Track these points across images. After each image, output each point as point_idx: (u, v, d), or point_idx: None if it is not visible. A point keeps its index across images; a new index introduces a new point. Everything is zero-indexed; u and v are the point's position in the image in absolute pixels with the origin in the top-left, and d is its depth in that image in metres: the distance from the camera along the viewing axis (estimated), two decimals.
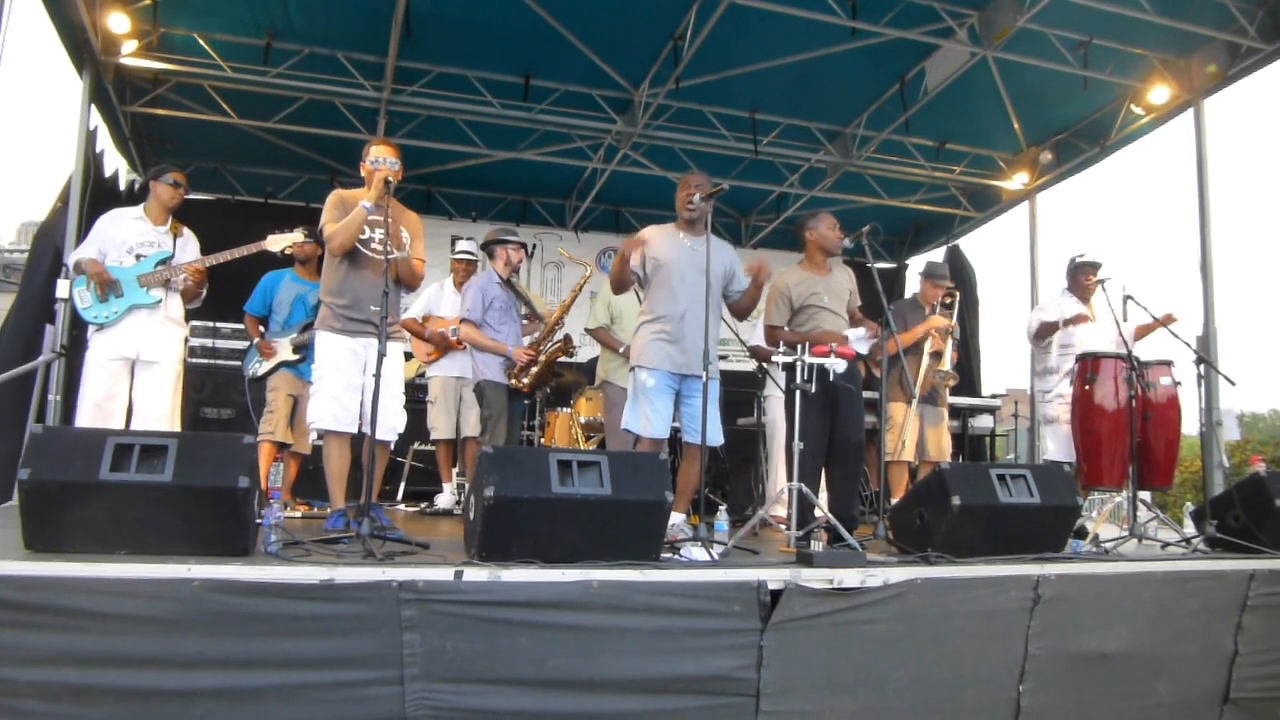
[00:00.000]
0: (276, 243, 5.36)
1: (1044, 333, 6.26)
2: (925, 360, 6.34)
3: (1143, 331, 6.15)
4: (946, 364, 6.42)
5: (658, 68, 7.85)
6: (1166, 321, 5.87)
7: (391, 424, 4.68)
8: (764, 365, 6.33)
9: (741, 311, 5.12)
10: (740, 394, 7.56)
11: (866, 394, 5.59)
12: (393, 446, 4.84)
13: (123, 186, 8.58)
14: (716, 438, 4.77)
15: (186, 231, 5.32)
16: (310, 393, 4.73)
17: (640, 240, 4.84)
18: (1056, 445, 6.20)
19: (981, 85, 8.02)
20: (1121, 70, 7.84)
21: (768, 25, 7.01)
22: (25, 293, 6.67)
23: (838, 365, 4.81)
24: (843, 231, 5.37)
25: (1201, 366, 5.62)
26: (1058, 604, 4.01)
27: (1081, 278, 6.19)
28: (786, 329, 5.27)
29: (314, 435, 5.64)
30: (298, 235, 5.43)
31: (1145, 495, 5.62)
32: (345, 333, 4.57)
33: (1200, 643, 4.32)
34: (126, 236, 5.14)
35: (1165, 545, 5.11)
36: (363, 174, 4.72)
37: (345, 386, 4.54)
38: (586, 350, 8.35)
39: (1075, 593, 4.07)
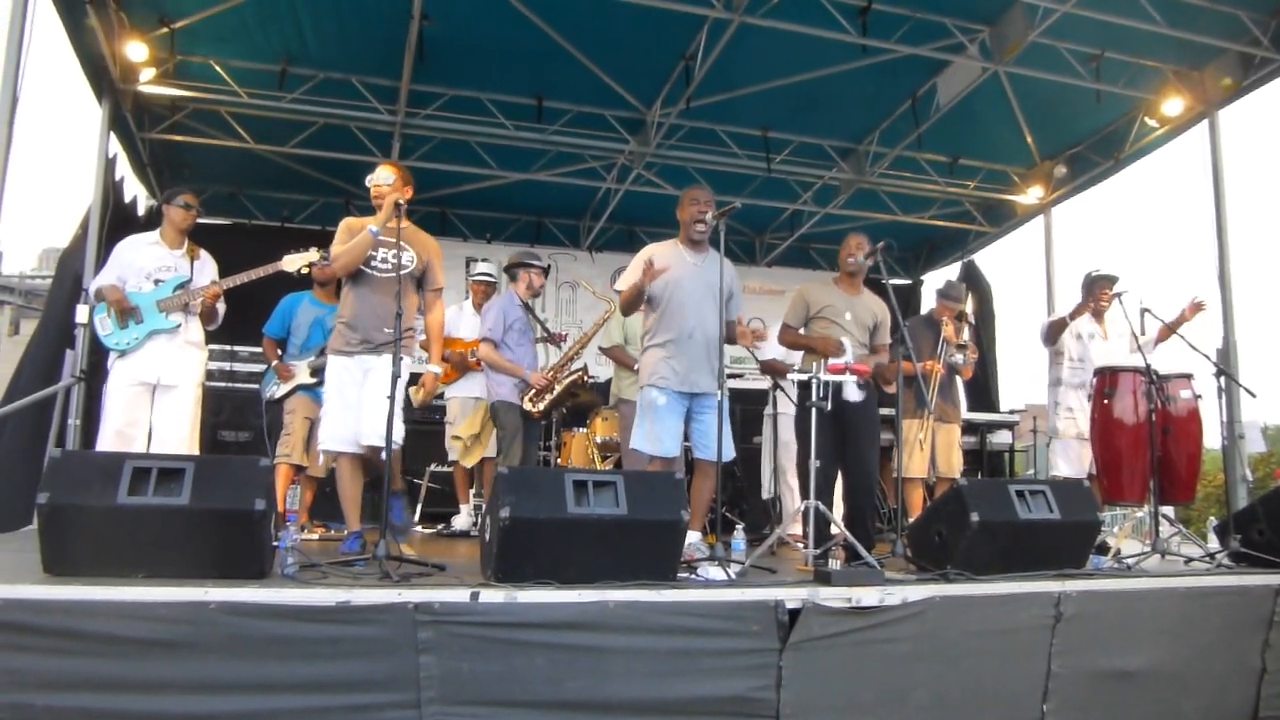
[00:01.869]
0: (292, 263, 5.38)
1: (1054, 331, 6.27)
2: (940, 351, 6.31)
3: (1166, 332, 6.10)
4: (964, 336, 6.38)
5: (669, 87, 7.88)
6: (1194, 311, 5.86)
7: (373, 429, 4.31)
8: (777, 381, 6.32)
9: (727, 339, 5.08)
10: (756, 411, 7.53)
11: (882, 411, 5.57)
12: (383, 455, 4.58)
13: (141, 212, 8.67)
14: (728, 452, 4.74)
15: (204, 254, 5.35)
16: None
17: (655, 268, 4.70)
18: (1066, 463, 6.15)
19: (994, 100, 8.01)
20: (1134, 83, 7.81)
21: (779, 44, 7.03)
22: (47, 318, 6.75)
23: (850, 392, 4.82)
24: (856, 251, 5.36)
25: (1222, 379, 5.56)
26: (1080, 621, 3.96)
27: (1097, 291, 6.15)
28: (799, 332, 5.30)
29: (322, 458, 5.64)
30: (313, 254, 5.45)
31: (1167, 510, 5.56)
32: (344, 353, 4.56)
33: (1226, 660, 4.26)
34: (144, 262, 5.17)
35: (1189, 561, 5.06)
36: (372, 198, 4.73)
37: (344, 407, 4.51)
38: (602, 370, 8.35)
39: (1098, 610, 4.02)
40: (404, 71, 7.41)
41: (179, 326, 5.12)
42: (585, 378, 6.31)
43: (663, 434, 4.68)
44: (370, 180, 4.72)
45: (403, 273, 4.53)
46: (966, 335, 6.47)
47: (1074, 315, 6.19)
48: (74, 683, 2.90)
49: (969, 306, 6.62)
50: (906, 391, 5.83)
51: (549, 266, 6.64)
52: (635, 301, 4.89)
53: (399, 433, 4.52)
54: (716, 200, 4.88)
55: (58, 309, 6.67)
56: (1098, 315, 6.22)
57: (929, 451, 6.22)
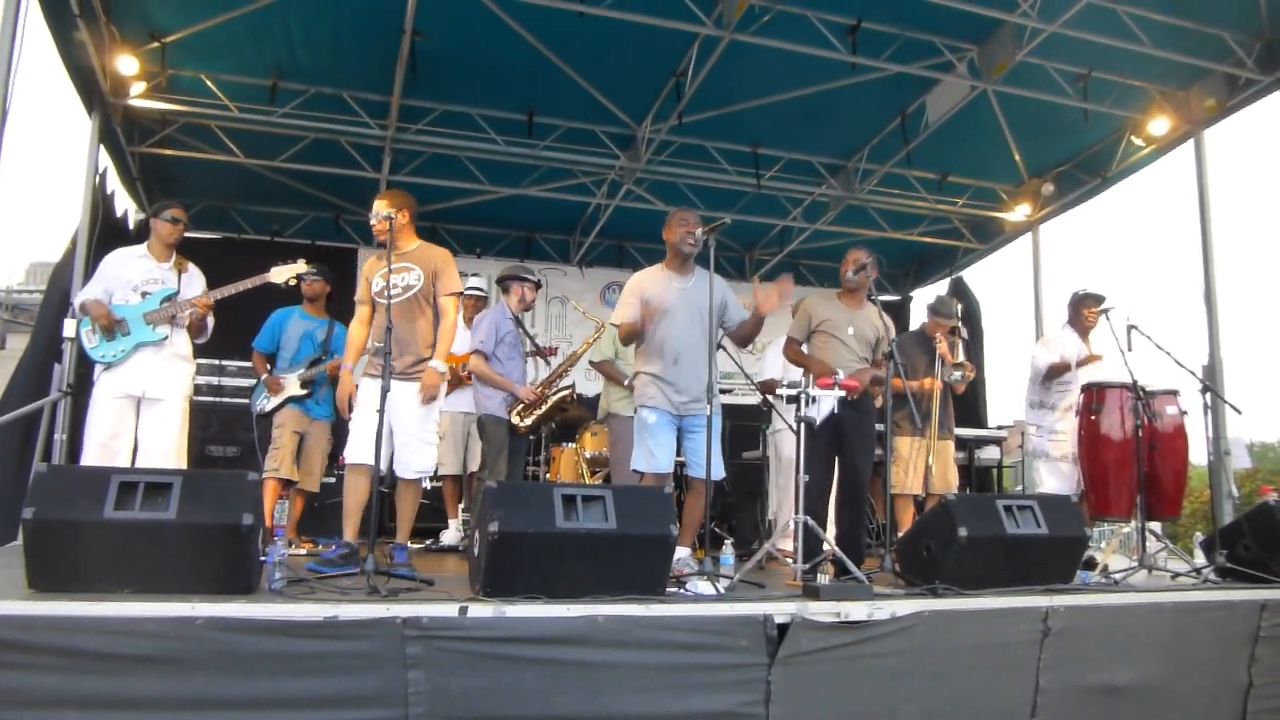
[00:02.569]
0: (280, 274, 5.37)
1: (1055, 374, 6.18)
2: (937, 369, 6.28)
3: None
4: (959, 355, 6.36)
5: (660, 103, 7.91)
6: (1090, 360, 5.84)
7: (409, 462, 4.66)
8: (769, 399, 6.33)
9: (742, 340, 5.14)
10: (746, 428, 7.54)
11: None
12: (424, 483, 4.96)
13: (132, 226, 8.64)
14: (718, 472, 4.76)
15: (192, 267, 5.34)
16: None
17: (649, 306, 4.82)
18: (1059, 481, 6.12)
19: (982, 118, 8.07)
20: (1121, 102, 7.89)
21: (769, 61, 7.07)
22: (37, 333, 6.71)
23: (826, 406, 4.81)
24: (850, 266, 5.37)
25: (1207, 395, 5.60)
26: (1068, 636, 3.97)
27: (1084, 310, 6.17)
28: (802, 346, 5.34)
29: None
30: (300, 266, 5.44)
31: (1154, 525, 5.58)
32: (372, 375, 4.68)
33: (1213, 674, 4.27)
34: (131, 275, 5.15)
35: (1175, 576, 5.08)
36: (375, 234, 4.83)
37: (363, 426, 4.62)
38: (592, 385, 8.35)
39: (1085, 624, 4.04)
40: (395, 86, 7.42)
41: (166, 339, 5.10)
42: (573, 395, 6.31)
43: (656, 450, 4.74)
44: (370, 219, 4.82)
45: (411, 294, 4.73)
46: (961, 352, 6.47)
47: (1081, 365, 6.07)
48: (60, 700, 2.88)
49: (959, 322, 6.58)
50: (900, 410, 5.83)
51: (540, 281, 6.65)
52: (635, 337, 4.94)
53: (421, 459, 4.72)
54: (705, 217, 4.91)
55: (47, 323, 6.63)
56: (1084, 334, 6.24)
57: (923, 469, 6.20)
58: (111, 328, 4.98)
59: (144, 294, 5.14)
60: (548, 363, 6.85)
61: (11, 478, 5.85)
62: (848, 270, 5.37)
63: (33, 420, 6.13)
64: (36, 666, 2.89)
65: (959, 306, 6.62)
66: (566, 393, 6.20)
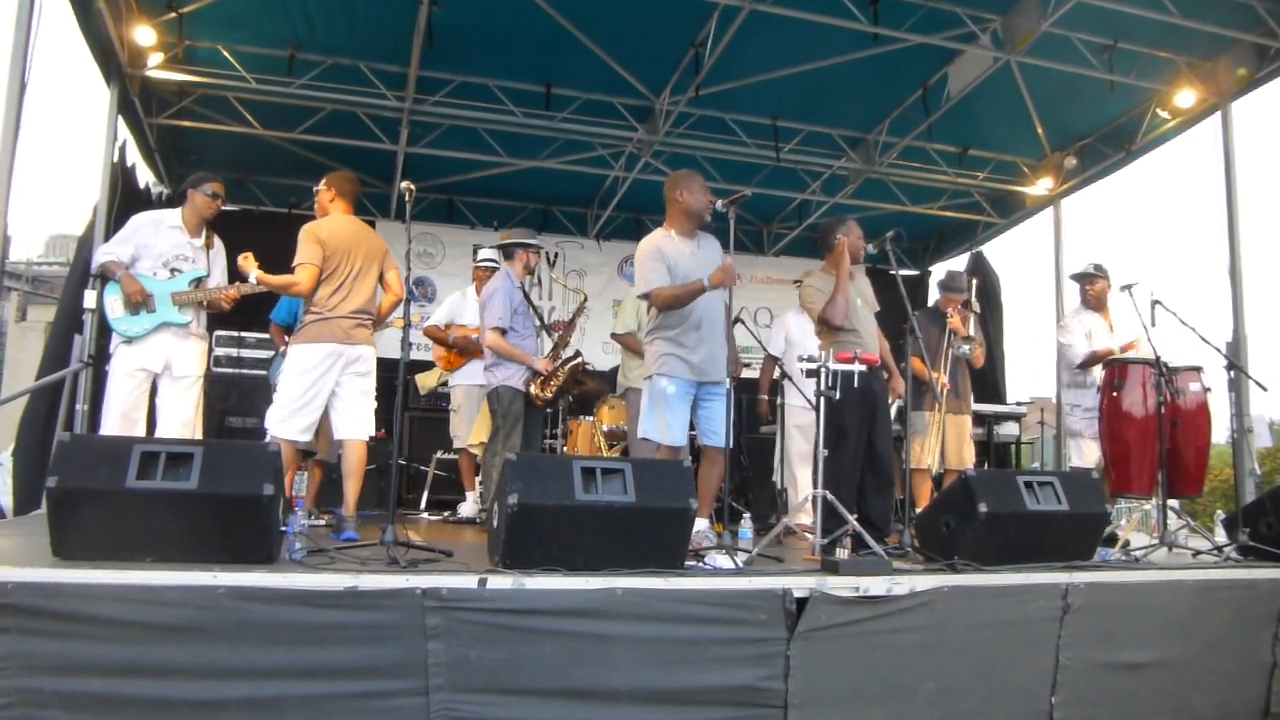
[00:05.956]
0: None
1: (1093, 362, 6.13)
2: (949, 346, 6.26)
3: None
4: (971, 328, 6.33)
5: (679, 75, 7.84)
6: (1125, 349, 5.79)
7: None
8: (785, 372, 6.30)
9: None
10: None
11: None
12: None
13: (154, 198, 8.64)
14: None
15: (218, 243, 5.35)
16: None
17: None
18: (1080, 459, 6.09)
19: (1005, 90, 7.95)
20: (1147, 74, 7.76)
21: (789, 32, 6.98)
22: (63, 305, 6.76)
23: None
24: (865, 239, 5.34)
25: (1232, 372, 5.54)
26: (1088, 613, 3.96)
27: (1087, 286, 6.12)
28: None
29: None
30: None
31: (1175, 503, 5.54)
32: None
33: (1236, 654, 4.25)
34: (163, 248, 5.14)
35: (1196, 554, 5.05)
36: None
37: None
38: (610, 359, 8.34)
39: (1106, 602, 4.02)
40: (412, 58, 7.37)
41: (190, 322, 5.12)
42: (584, 365, 6.26)
43: (674, 423, 4.71)
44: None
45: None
46: (973, 326, 6.44)
47: (1124, 349, 6.02)
48: (83, 667, 2.92)
49: (973, 296, 6.53)
50: (916, 389, 5.81)
51: (543, 247, 6.58)
52: (686, 300, 4.79)
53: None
54: (723, 190, 4.89)
55: (69, 298, 6.67)
56: (1099, 308, 6.18)
57: (939, 444, 6.19)
58: (141, 304, 4.99)
59: (173, 270, 5.13)
60: (551, 336, 6.83)
61: (36, 447, 5.91)
62: (861, 244, 5.31)
63: (56, 390, 6.18)
64: (60, 634, 2.92)
65: (970, 281, 6.57)
66: (577, 362, 6.16)
